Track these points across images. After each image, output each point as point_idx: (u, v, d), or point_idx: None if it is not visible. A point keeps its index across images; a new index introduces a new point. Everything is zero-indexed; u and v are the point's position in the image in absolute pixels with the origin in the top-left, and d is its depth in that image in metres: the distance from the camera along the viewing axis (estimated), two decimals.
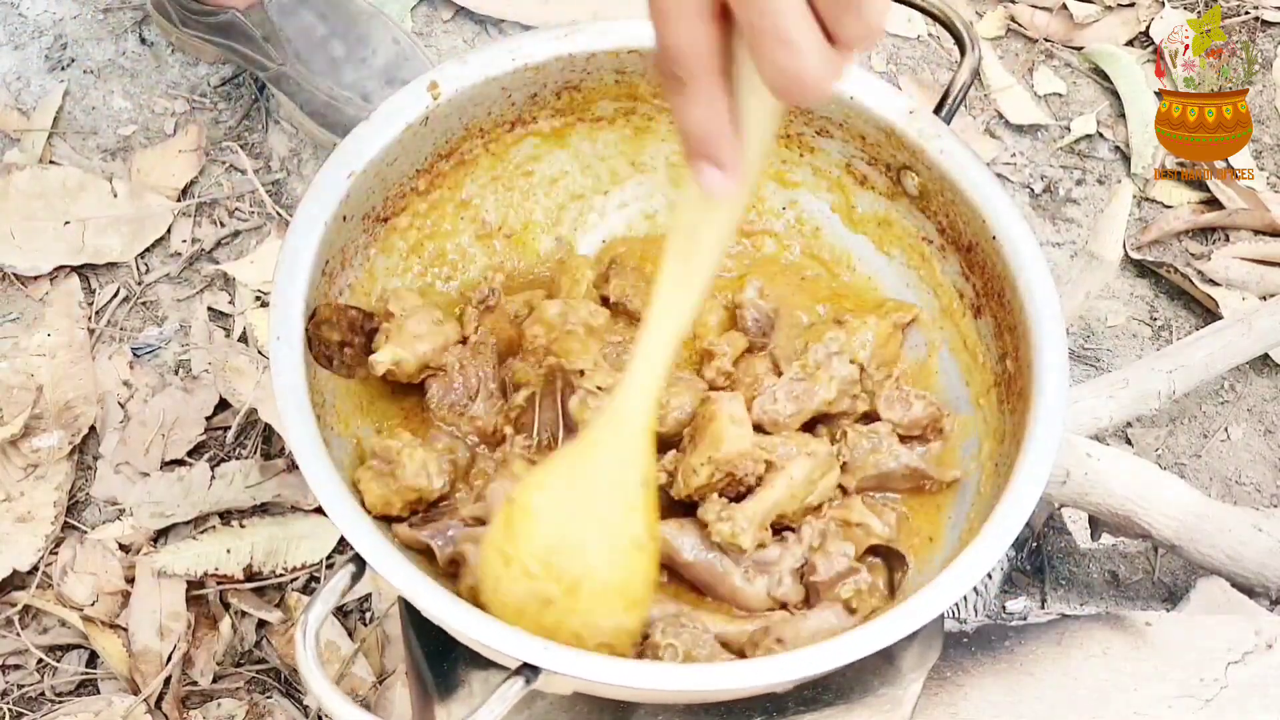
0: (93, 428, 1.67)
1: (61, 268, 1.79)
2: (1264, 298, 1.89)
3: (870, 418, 1.11)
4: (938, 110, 1.16)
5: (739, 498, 1.02)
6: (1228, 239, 1.99)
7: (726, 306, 1.16)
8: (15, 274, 1.79)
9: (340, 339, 1.05)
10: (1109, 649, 1.30)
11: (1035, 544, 1.68)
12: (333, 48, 1.80)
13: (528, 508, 0.92)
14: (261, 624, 1.56)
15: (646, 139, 1.22)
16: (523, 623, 0.89)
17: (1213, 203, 2.01)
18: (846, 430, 1.08)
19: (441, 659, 1.05)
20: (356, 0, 1.85)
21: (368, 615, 1.58)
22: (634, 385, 0.89)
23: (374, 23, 1.83)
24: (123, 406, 1.70)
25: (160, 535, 1.60)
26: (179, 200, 1.87)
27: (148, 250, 1.84)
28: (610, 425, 0.91)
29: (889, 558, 1.05)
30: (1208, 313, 1.91)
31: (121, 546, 1.60)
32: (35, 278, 1.79)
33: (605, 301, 1.15)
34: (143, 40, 2.02)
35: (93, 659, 1.55)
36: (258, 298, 1.79)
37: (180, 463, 1.66)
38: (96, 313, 1.78)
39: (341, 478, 0.95)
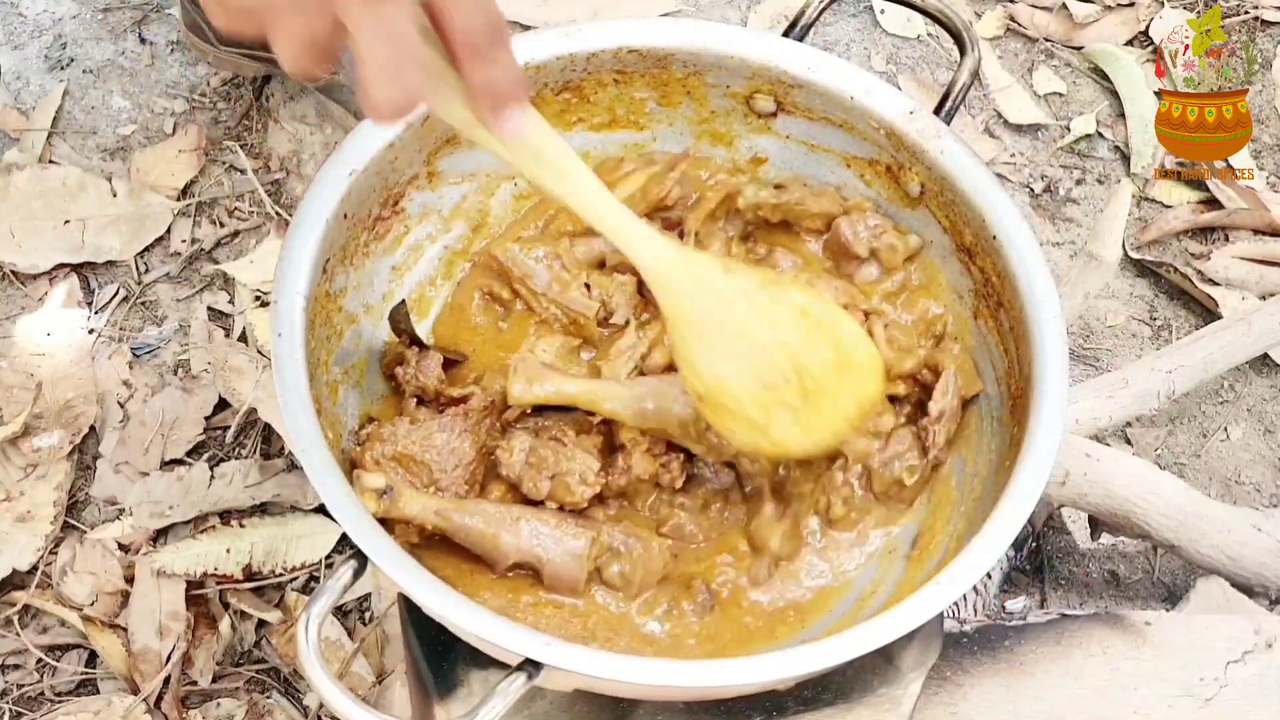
0: (92, 427, 1.67)
1: (61, 266, 1.79)
2: (1264, 297, 1.89)
3: None
4: (938, 110, 1.16)
5: None
6: (1227, 239, 2.00)
7: None
8: (15, 272, 1.79)
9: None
10: (1109, 649, 1.30)
11: (1035, 544, 1.68)
12: None
13: (711, 386, 0.96)
14: (261, 624, 1.56)
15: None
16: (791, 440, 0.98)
17: (1212, 202, 2.01)
18: None
19: (441, 658, 1.05)
20: None
21: (367, 615, 1.58)
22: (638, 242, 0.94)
23: None
24: (122, 406, 1.70)
25: (160, 535, 1.60)
26: (179, 200, 1.87)
27: (147, 250, 1.84)
28: (673, 273, 0.94)
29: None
30: (1207, 312, 1.91)
31: (121, 546, 1.59)
32: (35, 277, 1.79)
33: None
34: (142, 40, 2.02)
35: (92, 659, 1.55)
36: (257, 298, 1.79)
37: (180, 462, 1.66)
38: (96, 312, 1.78)
39: (342, 474, 0.95)
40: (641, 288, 1.14)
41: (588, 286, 1.15)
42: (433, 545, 1.03)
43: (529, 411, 1.08)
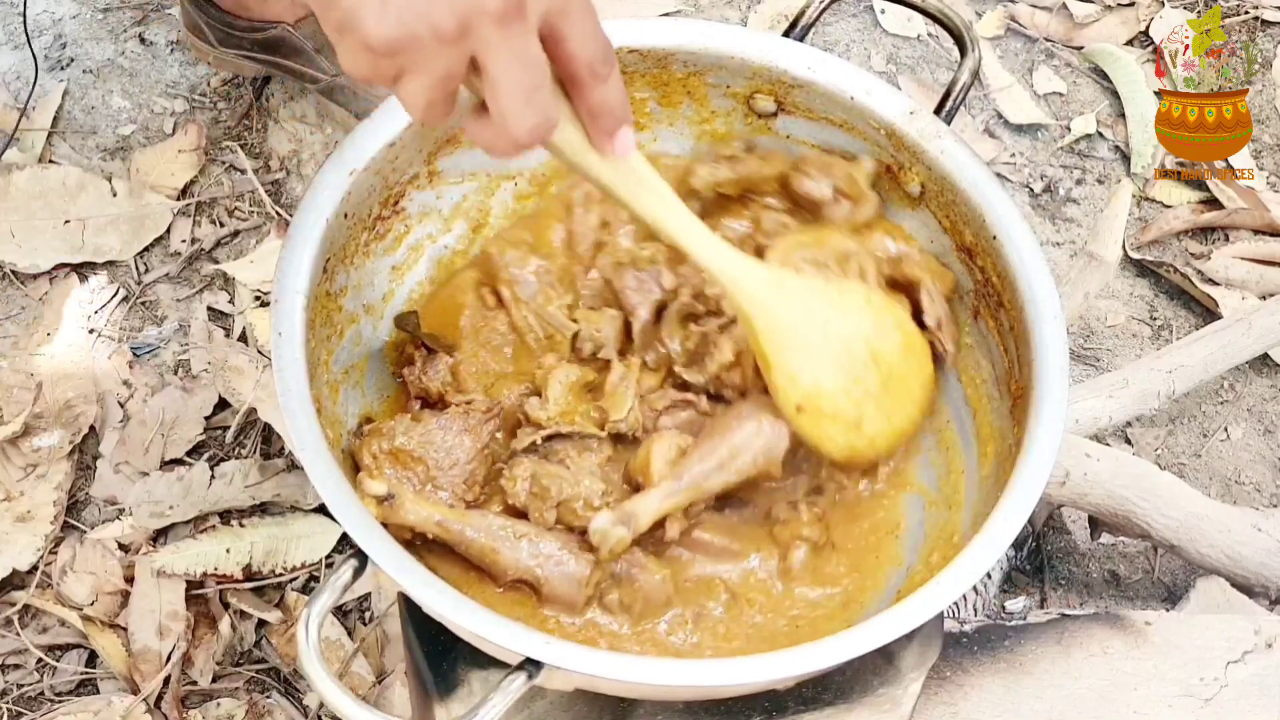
0: (92, 427, 1.67)
1: (61, 266, 1.79)
2: (1264, 297, 1.89)
3: None
4: (938, 110, 1.16)
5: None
6: (1227, 239, 2.00)
7: None
8: (15, 272, 1.79)
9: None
10: (1109, 649, 1.30)
11: (1035, 544, 1.68)
12: None
13: (808, 391, 1.01)
14: (261, 624, 1.56)
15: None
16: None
17: (1212, 202, 2.01)
18: None
19: (441, 658, 1.05)
20: None
21: (367, 615, 1.58)
22: (723, 264, 0.98)
23: None
24: (122, 406, 1.70)
25: (160, 535, 1.60)
26: (179, 200, 1.87)
27: (147, 250, 1.84)
28: (760, 286, 0.99)
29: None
30: (1208, 312, 1.91)
31: (121, 546, 1.59)
32: (35, 276, 1.79)
33: None
34: (142, 40, 2.02)
35: (92, 659, 1.55)
36: (257, 298, 1.79)
37: (180, 462, 1.66)
38: (96, 312, 1.78)
39: (343, 474, 0.95)
40: (628, 326, 1.14)
41: (574, 320, 1.15)
42: (435, 549, 1.03)
43: (540, 440, 1.07)
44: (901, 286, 1.14)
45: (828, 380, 1.02)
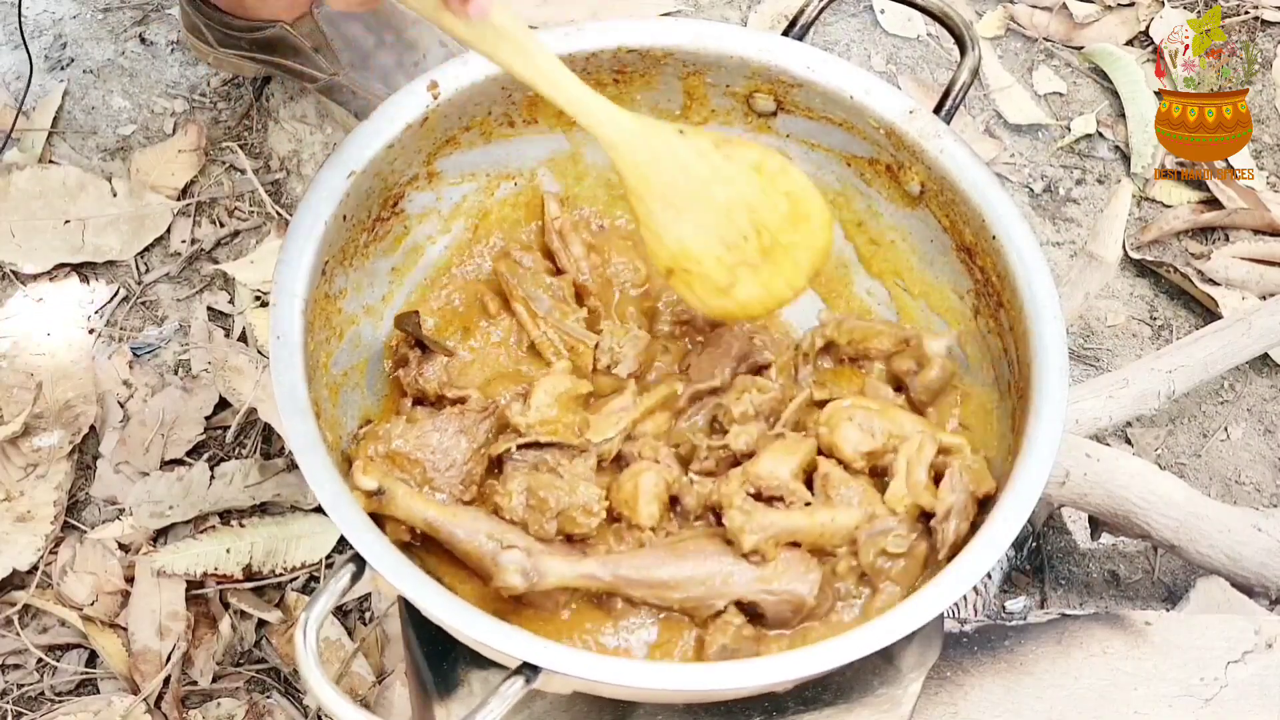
0: (92, 427, 1.67)
1: (61, 266, 1.79)
2: (1264, 297, 1.89)
3: None
4: (937, 110, 1.16)
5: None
6: (1227, 238, 2.00)
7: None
8: (15, 272, 1.79)
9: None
10: (1109, 649, 1.30)
11: (1035, 544, 1.68)
12: (382, 56, 1.80)
13: (676, 253, 1.00)
14: (261, 624, 1.56)
15: None
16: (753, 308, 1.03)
17: (1212, 202, 2.01)
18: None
19: (441, 659, 1.05)
20: (399, 7, 1.84)
21: (367, 615, 1.58)
22: (590, 111, 0.98)
23: (419, 28, 1.82)
24: (122, 406, 1.71)
25: (160, 535, 1.60)
26: (179, 200, 1.87)
27: (147, 250, 1.84)
28: (635, 141, 0.98)
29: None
30: (1208, 312, 1.91)
31: (121, 546, 1.60)
32: (35, 276, 1.79)
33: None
34: (142, 40, 2.02)
35: (92, 659, 1.55)
36: (257, 298, 1.79)
37: (180, 462, 1.66)
38: (96, 312, 1.78)
39: (340, 476, 0.95)
40: (650, 353, 1.14)
41: (598, 330, 1.14)
42: (432, 545, 1.02)
43: (516, 447, 1.06)
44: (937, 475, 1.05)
45: (698, 245, 1.00)
